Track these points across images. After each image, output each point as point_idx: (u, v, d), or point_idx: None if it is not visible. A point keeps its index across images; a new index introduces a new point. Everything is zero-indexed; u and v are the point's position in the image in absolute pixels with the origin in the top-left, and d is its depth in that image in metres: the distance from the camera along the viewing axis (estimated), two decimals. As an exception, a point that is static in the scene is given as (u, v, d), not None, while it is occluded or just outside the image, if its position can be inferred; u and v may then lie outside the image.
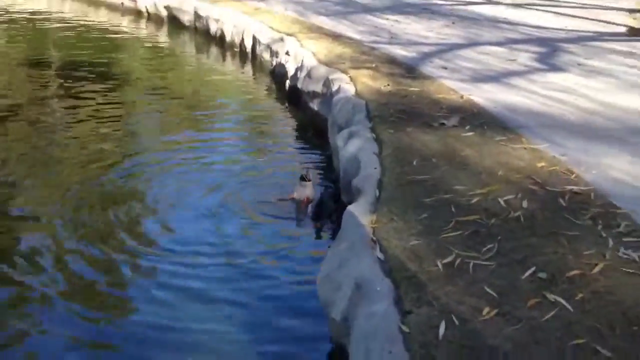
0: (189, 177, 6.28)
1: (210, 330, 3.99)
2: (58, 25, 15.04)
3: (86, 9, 17.58)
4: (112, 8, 17.64)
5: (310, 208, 5.55)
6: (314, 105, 8.23)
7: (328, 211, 5.41)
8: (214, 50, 12.98)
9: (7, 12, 16.80)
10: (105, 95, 9.12)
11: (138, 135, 7.72)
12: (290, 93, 9.26)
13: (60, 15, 16.46)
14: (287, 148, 7.47)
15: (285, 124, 8.54)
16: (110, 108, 8.56)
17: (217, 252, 4.91)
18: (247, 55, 12.01)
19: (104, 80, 9.90)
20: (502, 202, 4.00)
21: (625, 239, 3.53)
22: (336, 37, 10.07)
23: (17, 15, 16.19)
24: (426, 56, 8.53)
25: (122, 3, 17.54)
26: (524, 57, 8.48)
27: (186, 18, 15.01)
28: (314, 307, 4.29)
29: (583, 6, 13.82)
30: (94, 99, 8.89)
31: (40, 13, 16.58)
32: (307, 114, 8.36)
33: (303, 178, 5.77)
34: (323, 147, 7.17)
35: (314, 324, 4.04)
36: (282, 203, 5.68)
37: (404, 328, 2.90)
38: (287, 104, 9.14)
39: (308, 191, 5.74)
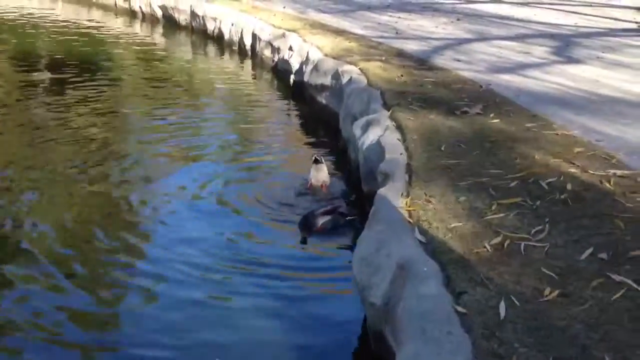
0: (194, 176, 5.89)
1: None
2: (50, 25, 14.71)
3: (78, 10, 17.28)
4: (105, 8, 17.36)
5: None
6: (322, 98, 8.02)
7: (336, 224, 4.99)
8: (212, 49, 12.76)
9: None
10: (98, 95, 8.70)
11: (135, 135, 7.25)
12: (295, 88, 9.06)
13: (51, 16, 16.12)
14: (295, 142, 7.24)
15: (291, 118, 8.32)
16: (103, 108, 8.12)
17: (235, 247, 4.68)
18: (246, 53, 11.79)
19: (96, 81, 9.54)
20: (544, 185, 3.79)
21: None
22: (340, 32, 9.88)
23: (8, 16, 15.84)
24: (436, 50, 8.36)
25: (115, 3, 17.28)
26: (539, 51, 8.32)
27: (182, 17, 14.78)
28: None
29: (590, 4, 13.75)
30: (86, 98, 8.45)
31: (31, 14, 16.25)
32: (314, 107, 8.15)
33: (317, 161, 5.57)
34: (332, 139, 6.97)
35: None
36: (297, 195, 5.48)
37: (460, 309, 2.68)
38: (291, 99, 8.93)
39: (323, 175, 5.58)
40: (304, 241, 4.76)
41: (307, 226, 4.82)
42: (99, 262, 4.42)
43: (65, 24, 15.13)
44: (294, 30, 10.28)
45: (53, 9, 17.10)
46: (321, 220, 4.82)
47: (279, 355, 3.56)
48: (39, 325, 3.69)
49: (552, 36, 9.52)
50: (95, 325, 3.77)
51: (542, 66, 7.43)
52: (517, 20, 11.40)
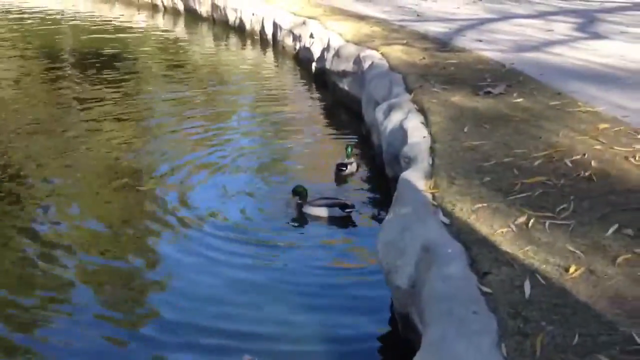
0: (222, 164, 6.01)
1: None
2: (75, 22, 14.89)
3: (100, 6, 17.43)
4: (127, 3, 17.49)
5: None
6: (344, 84, 8.01)
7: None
8: (234, 39, 12.80)
9: (21, 10, 16.71)
10: (123, 86, 8.84)
11: (162, 126, 7.31)
12: (317, 75, 9.06)
13: (75, 13, 16.30)
14: (318, 128, 7.26)
15: (314, 105, 8.33)
16: (129, 100, 8.26)
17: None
18: (268, 42, 11.82)
19: (120, 72, 9.67)
20: (568, 163, 3.76)
21: None
22: (361, 17, 9.85)
23: (32, 14, 16.05)
24: (458, 31, 8.30)
25: (137, -2, 17.42)
26: (562, 28, 8.23)
27: (203, 9, 14.85)
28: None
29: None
30: (111, 91, 8.59)
31: (55, 11, 16.44)
32: (337, 94, 8.15)
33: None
34: (356, 124, 6.97)
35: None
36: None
37: (485, 289, 2.68)
38: (314, 86, 8.93)
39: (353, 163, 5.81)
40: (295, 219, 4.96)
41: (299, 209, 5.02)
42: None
43: (87, 19, 15.29)
44: (314, 18, 10.29)
45: (74, 5, 17.28)
46: (316, 210, 4.95)
47: (307, 340, 3.60)
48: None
49: (574, 12, 9.39)
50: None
51: (565, 43, 7.35)
52: (539, -3, 11.28)
